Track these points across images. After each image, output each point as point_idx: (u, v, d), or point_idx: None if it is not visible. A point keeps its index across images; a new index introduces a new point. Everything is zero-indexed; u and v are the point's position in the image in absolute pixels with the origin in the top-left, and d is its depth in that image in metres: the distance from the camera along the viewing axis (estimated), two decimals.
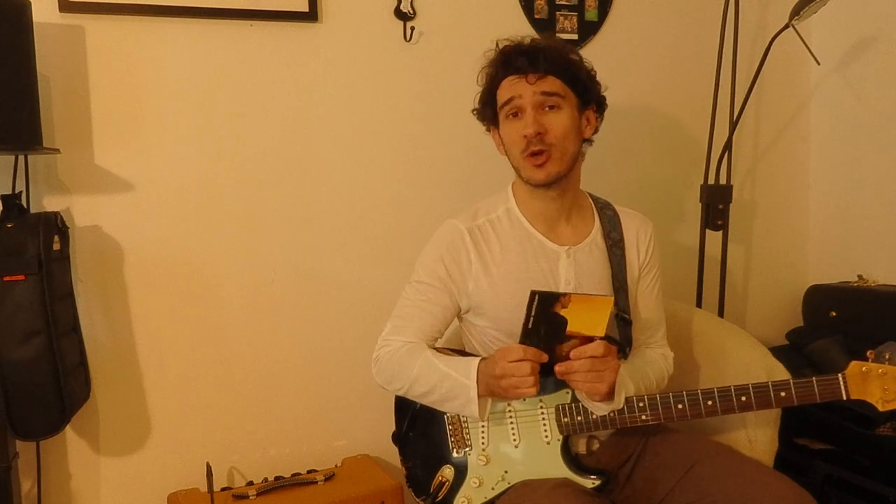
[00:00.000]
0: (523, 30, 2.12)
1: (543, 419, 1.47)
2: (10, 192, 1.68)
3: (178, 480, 1.90)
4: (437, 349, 1.55)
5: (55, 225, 1.66)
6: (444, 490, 1.50)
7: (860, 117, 2.43)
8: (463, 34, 2.09)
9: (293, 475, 1.92)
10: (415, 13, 2.05)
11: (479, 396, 1.42)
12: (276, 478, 1.90)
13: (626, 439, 1.55)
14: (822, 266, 2.58)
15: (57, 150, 1.73)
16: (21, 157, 1.70)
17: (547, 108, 1.48)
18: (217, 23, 1.88)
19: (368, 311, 2.05)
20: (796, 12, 2.11)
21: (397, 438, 1.64)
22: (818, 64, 2.31)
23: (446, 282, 1.55)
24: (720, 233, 2.31)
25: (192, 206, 1.90)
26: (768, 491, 1.37)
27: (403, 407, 1.61)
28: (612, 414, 1.43)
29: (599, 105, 1.57)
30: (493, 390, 1.41)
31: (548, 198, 1.55)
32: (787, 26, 2.15)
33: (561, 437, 1.47)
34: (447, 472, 1.51)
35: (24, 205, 1.69)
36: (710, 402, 1.42)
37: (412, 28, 2.05)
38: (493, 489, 1.48)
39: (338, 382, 2.07)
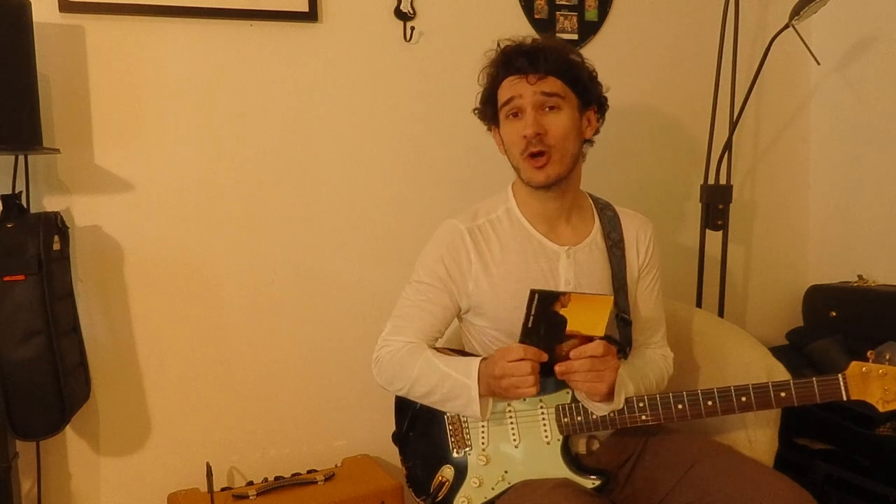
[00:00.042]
0: (523, 30, 2.12)
1: (543, 419, 1.47)
2: (10, 192, 1.68)
3: (178, 480, 1.90)
4: (437, 349, 1.55)
5: (55, 225, 1.66)
6: (444, 490, 1.50)
7: (860, 117, 2.43)
8: (463, 34, 2.09)
9: (293, 475, 1.92)
10: (415, 13, 2.05)
11: (480, 396, 1.42)
12: (276, 478, 1.90)
13: (626, 439, 1.55)
14: (822, 266, 2.58)
15: (57, 150, 1.73)
16: (21, 157, 1.70)
17: (547, 109, 1.48)
18: (217, 23, 1.88)
19: (368, 311, 2.05)
20: (796, 12, 2.11)
21: (397, 438, 1.64)
22: (818, 64, 2.31)
23: (446, 282, 1.55)
24: (720, 233, 2.31)
25: (192, 206, 1.90)
26: (768, 491, 1.37)
27: (403, 407, 1.61)
28: (612, 414, 1.43)
29: (600, 106, 1.57)
30: (493, 390, 1.41)
31: (548, 198, 1.55)
32: (787, 26, 2.15)
33: (561, 438, 1.47)
34: (447, 471, 1.51)
35: (24, 205, 1.69)
36: (710, 403, 1.42)
37: (412, 28, 2.05)
38: (493, 489, 1.48)
39: (338, 382, 2.07)
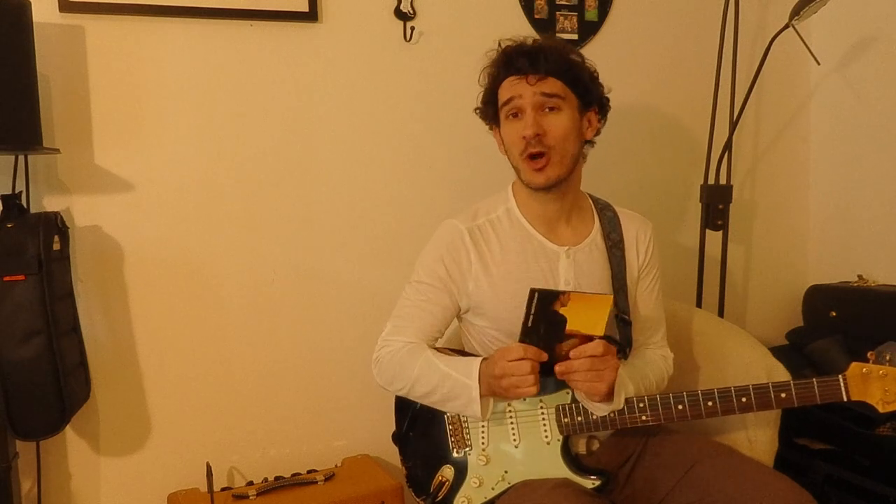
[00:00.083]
0: (523, 30, 2.12)
1: (543, 419, 1.47)
2: (10, 192, 1.68)
3: (178, 480, 1.90)
4: (437, 349, 1.55)
5: (55, 225, 1.66)
6: (444, 490, 1.50)
7: (860, 117, 2.43)
8: (463, 34, 2.09)
9: (293, 475, 1.92)
10: (415, 13, 2.05)
11: (480, 396, 1.42)
12: (276, 478, 1.90)
13: (626, 439, 1.55)
14: (822, 266, 2.58)
15: (57, 150, 1.73)
16: (21, 157, 1.70)
17: (547, 110, 1.48)
18: (217, 23, 1.88)
19: (368, 311, 2.05)
20: (796, 12, 2.11)
21: (397, 438, 1.64)
22: (818, 64, 2.31)
23: (446, 282, 1.55)
24: (720, 233, 2.31)
25: (192, 206, 1.90)
26: (768, 491, 1.37)
27: (403, 407, 1.61)
28: (612, 414, 1.43)
29: (602, 107, 1.57)
30: (493, 390, 1.41)
31: (548, 200, 1.55)
32: (787, 26, 2.15)
33: (561, 438, 1.47)
34: (447, 471, 1.51)
35: (24, 205, 1.69)
36: (710, 403, 1.42)
37: (412, 28, 2.05)
38: (493, 489, 1.48)
39: (338, 382, 2.07)
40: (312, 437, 2.06)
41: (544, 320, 1.36)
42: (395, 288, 1.65)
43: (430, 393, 1.48)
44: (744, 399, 1.41)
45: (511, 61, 1.50)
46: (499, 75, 1.54)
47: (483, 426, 1.50)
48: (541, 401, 1.47)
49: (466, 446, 1.50)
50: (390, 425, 1.65)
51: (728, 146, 2.26)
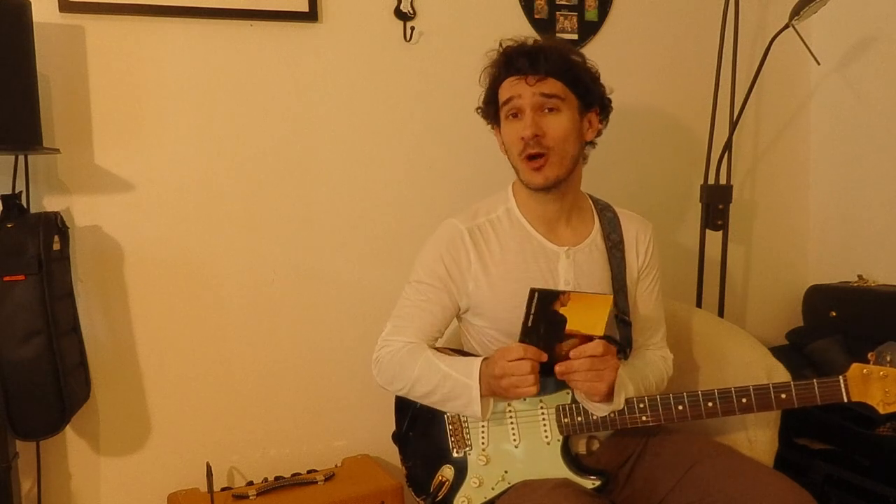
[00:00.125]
0: (523, 30, 2.12)
1: (543, 419, 1.47)
2: (10, 192, 1.68)
3: (178, 480, 1.90)
4: (437, 349, 1.55)
5: (55, 225, 1.66)
6: (444, 490, 1.50)
7: (860, 117, 2.43)
8: (463, 34, 2.09)
9: (293, 475, 1.92)
10: (415, 13, 2.05)
11: (481, 396, 1.42)
12: (276, 478, 1.90)
13: (626, 439, 1.55)
14: (822, 266, 2.58)
15: (57, 150, 1.73)
16: (21, 157, 1.70)
17: (546, 111, 1.48)
18: (217, 23, 1.88)
19: (368, 311, 2.05)
20: (796, 12, 2.11)
21: (397, 438, 1.64)
22: (818, 64, 2.31)
23: (446, 281, 1.55)
24: (720, 233, 2.31)
25: (192, 206, 1.90)
26: (768, 491, 1.37)
27: (403, 407, 1.61)
28: (612, 415, 1.43)
29: (603, 108, 1.57)
30: (494, 390, 1.41)
31: (547, 200, 1.55)
32: (787, 26, 2.15)
33: (561, 438, 1.47)
34: (447, 471, 1.51)
35: (24, 205, 1.69)
36: (710, 404, 1.42)
37: (412, 28, 2.05)
38: (493, 489, 1.48)
39: (338, 382, 2.07)
40: (312, 437, 2.06)
41: (544, 320, 1.36)
42: (395, 288, 1.65)
43: (430, 393, 1.48)
44: (744, 400, 1.41)
45: (511, 61, 1.50)
46: (499, 75, 1.54)
47: (483, 426, 1.50)
48: (541, 401, 1.47)
49: (466, 446, 1.50)
50: (390, 425, 1.65)
51: (728, 146, 2.26)
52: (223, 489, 1.87)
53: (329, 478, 1.89)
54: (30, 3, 1.57)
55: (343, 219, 2.04)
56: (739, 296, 2.57)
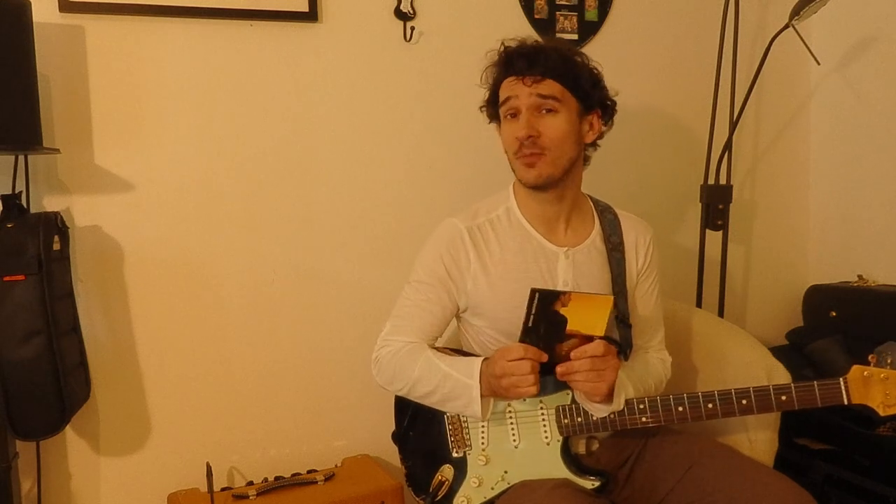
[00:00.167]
0: (523, 30, 2.12)
1: (543, 420, 1.47)
2: (10, 192, 1.68)
3: (178, 480, 1.90)
4: (437, 349, 1.55)
5: (55, 225, 1.66)
6: (444, 489, 1.50)
7: (860, 117, 2.43)
8: (463, 34, 2.09)
9: (293, 475, 1.92)
10: (415, 13, 2.05)
11: (481, 396, 1.42)
12: (276, 478, 1.90)
13: (626, 440, 1.55)
14: (822, 266, 2.58)
15: (57, 150, 1.73)
16: (21, 157, 1.70)
17: (544, 111, 1.48)
18: (217, 23, 1.88)
19: (368, 311, 2.05)
20: (796, 12, 2.11)
21: (397, 437, 1.64)
22: (818, 64, 2.30)
23: (445, 281, 1.55)
24: (720, 233, 2.31)
25: (192, 206, 1.90)
26: (768, 491, 1.37)
27: (403, 406, 1.61)
28: (612, 415, 1.43)
29: (605, 110, 1.56)
30: (494, 390, 1.41)
31: (546, 200, 1.55)
32: (787, 26, 2.15)
33: (561, 438, 1.47)
34: (447, 471, 1.51)
35: (24, 205, 1.69)
36: (710, 405, 1.42)
37: (412, 28, 2.05)
38: (492, 489, 1.48)
39: (338, 382, 2.07)
40: (312, 437, 2.06)
41: (545, 320, 1.36)
42: (395, 288, 1.65)
43: (430, 393, 1.48)
44: (744, 401, 1.41)
45: (510, 62, 1.50)
46: (499, 75, 1.54)
47: (483, 426, 1.50)
48: (541, 401, 1.47)
49: (466, 446, 1.50)
50: (390, 425, 1.65)
51: (728, 146, 2.26)
52: (223, 489, 1.87)
53: (329, 478, 1.89)
54: (30, 3, 1.57)
55: (343, 219, 2.04)
56: (739, 296, 2.57)
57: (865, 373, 1.36)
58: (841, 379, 1.37)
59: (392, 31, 2.04)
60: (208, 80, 1.89)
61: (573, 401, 1.46)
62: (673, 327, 1.75)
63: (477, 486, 1.48)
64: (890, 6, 2.31)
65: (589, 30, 2.25)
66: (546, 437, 1.47)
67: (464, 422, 1.51)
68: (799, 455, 2.05)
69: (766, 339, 2.00)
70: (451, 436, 1.52)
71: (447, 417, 1.52)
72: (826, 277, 2.49)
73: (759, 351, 1.74)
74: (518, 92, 1.48)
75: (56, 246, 1.65)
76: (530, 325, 1.36)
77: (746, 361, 1.71)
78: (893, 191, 2.34)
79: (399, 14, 2.03)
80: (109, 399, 1.87)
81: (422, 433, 1.57)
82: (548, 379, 1.39)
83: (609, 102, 1.56)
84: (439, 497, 1.51)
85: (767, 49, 2.20)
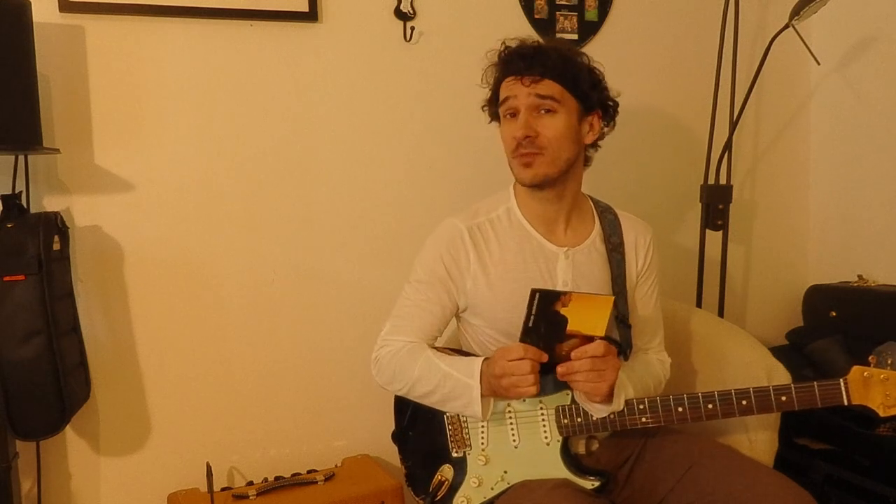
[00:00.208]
0: (523, 30, 2.12)
1: (543, 420, 1.47)
2: (10, 192, 1.68)
3: (178, 480, 1.90)
4: (437, 349, 1.55)
5: (55, 225, 1.66)
6: (444, 489, 1.50)
7: (860, 117, 2.43)
8: (463, 34, 2.09)
9: (293, 475, 1.92)
10: (415, 13, 2.05)
11: (481, 396, 1.42)
12: (276, 478, 1.90)
13: (626, 440, 1.55)
14: (822, 266, 2.58)
15: (57, 150, 1.73)
16: (21, 157, 1.70)
17: (542, 112, 1.48)
18: (217, 23, 1.88)
19: (368, 311, 2.05)
20: (796, 12, 2.11)
21: (397, 437, 1.64)
22: (818, 64, 2.30)
23: (445, 280, 1.55)
24: (720, 233, 2.31)
25: (192, 206, 1.90)
26: (768, 491, 1.37)
27: (403, 406, 1.61)
28: (612, 416, 1.43)
29: (606, 111, 1.56)
30: (494, 390, 1.41)
31: (545, 200, 1.55)
32: (787, 26, 2.15)
33: (561, 438, 1.47)
34: (447, 471, 1.51)
35: (24, 205, 1.69)
36: (710, 406, 1.42)
37: (412, 28, 2.05)
38: (492, 489, 1.48)
39: (338, 382, 2.07)
40: (312, 437, 2.06)
41: (545, 320, 1.36)
42: (395, 288, 1.65)
43: (430, 393, 1.48)
44: (744, 402, 1.41)
45: (509, 62, 1.50)
46: (499, 75, 1.54)
47: (483, 426, 1.50)
48: (541, 401, 1.47)
49: (466, 446, 1.50)
50: (390, 425, 1.65)
51: (728, 146, 2.26)
52: (223, 489, 1.87)
53: (329, 478, 1.89)
54: (30, 3, 1.57)
55: (343, 219, 2.04)
56: (739, 296, 2.57)
57: (865, 374, 1.36)
58: (841, 380, 1.37)
59: (392, 31, 2.04)
60: (208, 80, 1.89)
61: (573, 401, 1.46)
62: (673, 327, 1.75)
63: (477, 485, 1.48)
64: (890, 6, 2.31)
65: (589, 30, 2.25)
66: (546, 437, 1.47)
67: (463, 422, 1.51)
68: (799, 455, 2.05)
69: (766, 340, 2.00)
70: (450, 436, 1.52)
71: (447, 417, 1.52)
72: (826, 277, 2.49)
73: (759, 351, 1.74)
74: (517, 92, 1.48)
75: (56, 246, 1.65)
76: (530, 325, 1.36)
77: (746, 361, 1.71)
78: (893, 191, 2.34)
79: (399, 14, 2.03)
80: (109, 399, 1.87)
81: (421, 433, 1.57)
82: (548, 379, 1.39)
83: (610, 103, 1.56)
84: (439, 497, 1.51)
85: (767, 49, 2.20)
